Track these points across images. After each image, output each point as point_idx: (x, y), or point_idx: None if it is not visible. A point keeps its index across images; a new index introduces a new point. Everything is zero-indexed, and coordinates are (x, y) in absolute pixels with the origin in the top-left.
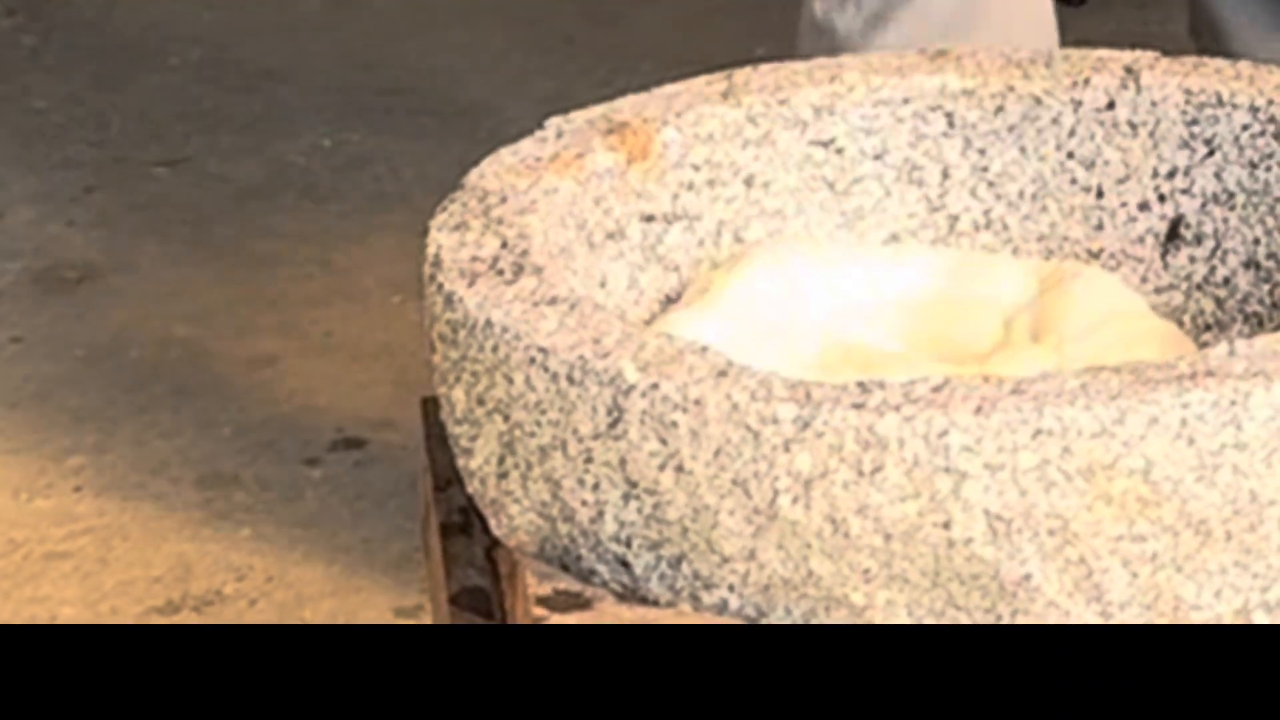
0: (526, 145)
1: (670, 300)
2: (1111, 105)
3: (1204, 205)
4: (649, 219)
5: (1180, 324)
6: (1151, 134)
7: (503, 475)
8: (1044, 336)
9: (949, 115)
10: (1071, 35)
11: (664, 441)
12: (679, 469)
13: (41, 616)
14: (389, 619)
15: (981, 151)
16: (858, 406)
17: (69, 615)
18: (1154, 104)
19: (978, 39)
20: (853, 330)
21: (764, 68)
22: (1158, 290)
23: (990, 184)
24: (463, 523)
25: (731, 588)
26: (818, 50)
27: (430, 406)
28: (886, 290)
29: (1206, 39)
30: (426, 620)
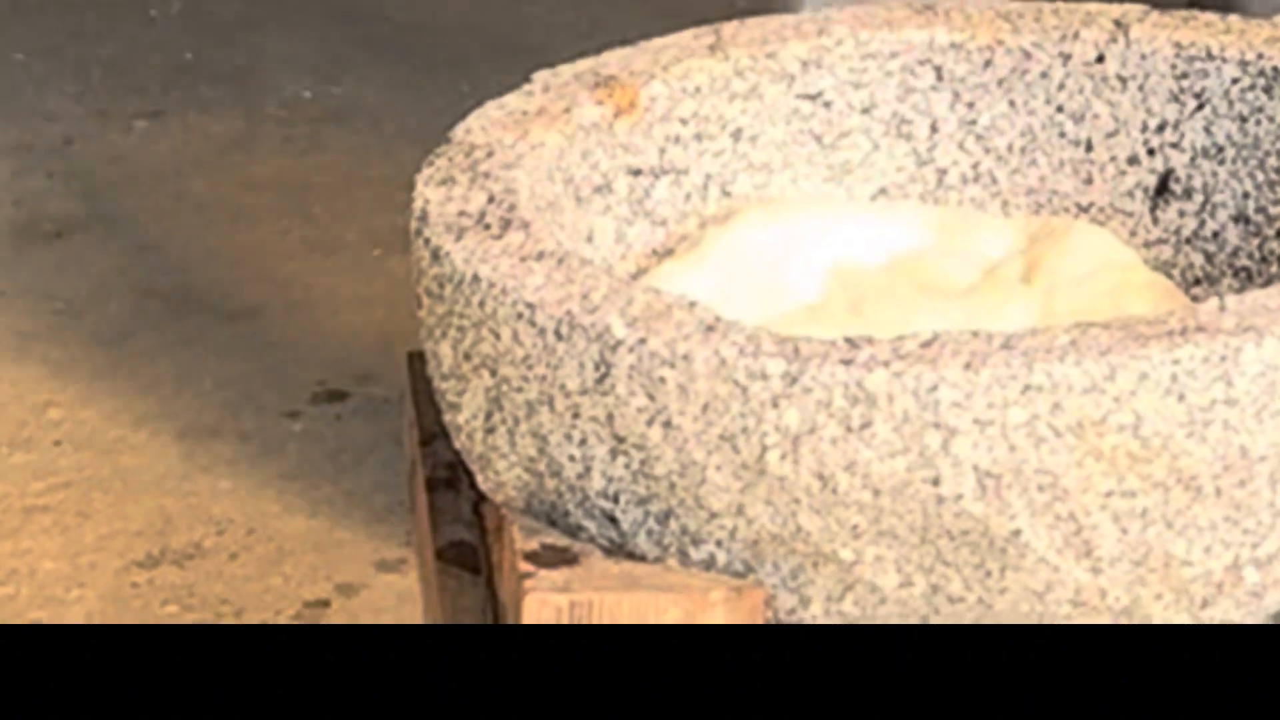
0: (513, 99)
1: (658, 254)
2: (1101, 59)
3: (1193, 159)
4: (636, 173)
5: (1169, 278)
6: (1141, 88)
7: (490, 430)
8: (1033, 280)
9: (937, 69)
10: None
11: (652, 397)
12: (667, 424)
13: (21, 570)
14: (370, 572)
15: (970, 105)
16: (846, 362)
17: (49, 568)
18: (1143, 57)
19: None
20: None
21: (751, 21)
22: (1147, 244)
23: (979, 137)
24: (449, 477)
25: (719, 543)
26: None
27: (416, 361)
28: (876, 244)
29: None
30: (411, 573)
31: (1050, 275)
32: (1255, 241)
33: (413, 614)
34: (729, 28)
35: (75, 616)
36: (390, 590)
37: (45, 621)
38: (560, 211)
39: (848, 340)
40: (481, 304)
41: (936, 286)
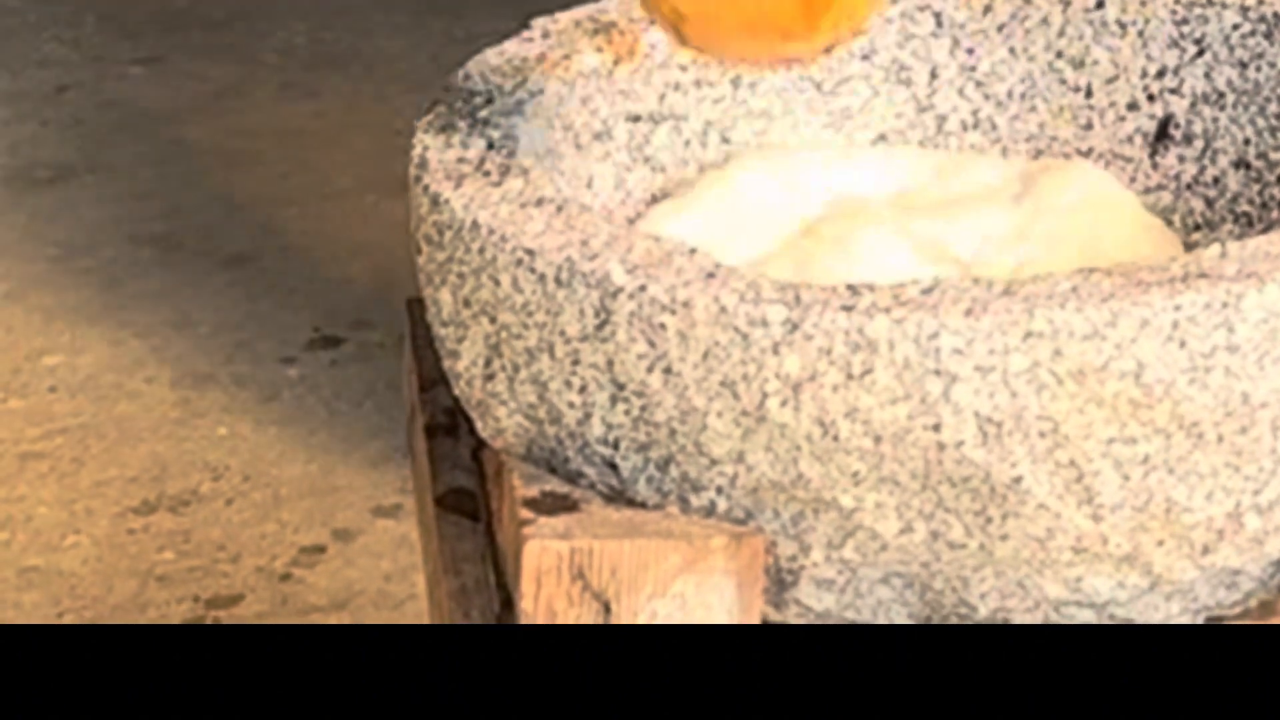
0: (511, 46)
1: (657, 200)
2: (1100, 4)
3: (1193, 105)
4: (635, 119)
5: (1170, 224)
6: (1141, 33)
7: (489, 377)
8: (1023, 202)
9: (937, 15)
10: None
11: (652, 343)
12: (667, 371)
13: (17, 517)
14: (367, 519)
15: (970, 51)
16: (847, 309)
17: (44, 515)
18: (1143, 3)
19: None
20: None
21: None
22: (1147, 190)
23: (979, 84)
24: (448, 424)
25: (720, 490)
26: None
27: (416, 307)
28: (871, 185)
29: None
30: (407, 519)
31: (1037, 201)
32: (1256, 187)
33: (409, 559)
34: None
35: (71, 563)
36: (387, 536)
37: (41, 567)
38: (560, 158)
39: (849, 287)
40: (481, 251)
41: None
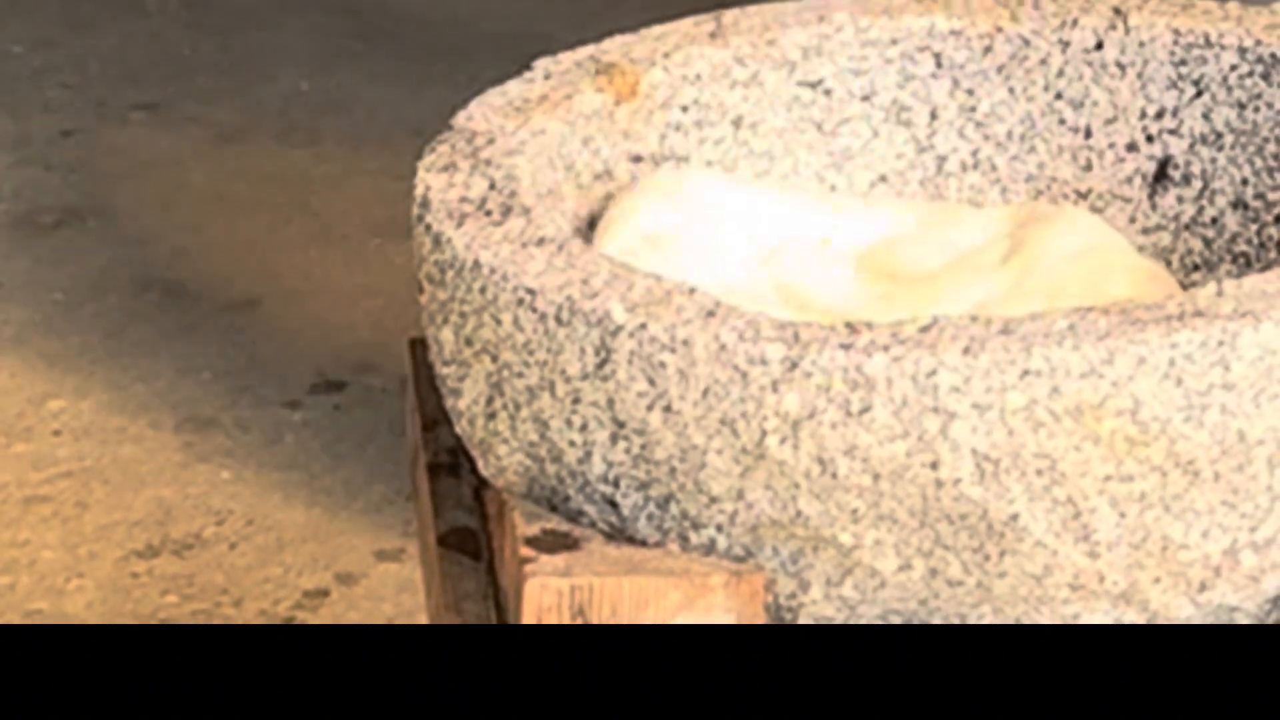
0: (514, 86)
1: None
2: (1100, 45)
3: (1192, 146)
4: (637, 159)
5: (1168, 264)
6: (1140, 74)
7: (491, 416)
8: (1012, 261)
9: (937, 56)
10: None
11: (652, 382)
12: (667, 409)
13: (21, 560)
14: (370, 561)
15: (970, 92)
16: (846, 347)
17: (48, 559)
18: (1142, 44)
19: None
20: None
21: (752, 9)
22: (1146, 231)
23: (978, 124)
24: (451, 463)
25: (719, 528)
26: None
27: (418, 347)
28: (856, 236)
29: None
30: (410, 562)
31: (1031, 256)
32: (1254, 227)
33: (412, 603)
34: (729, 15)
35: (75, 606)
36: (389, 579)
37: (45, 611)
38: (561, 198)
39: (847, 325)
40: (482, 290)
41: (903, 273)
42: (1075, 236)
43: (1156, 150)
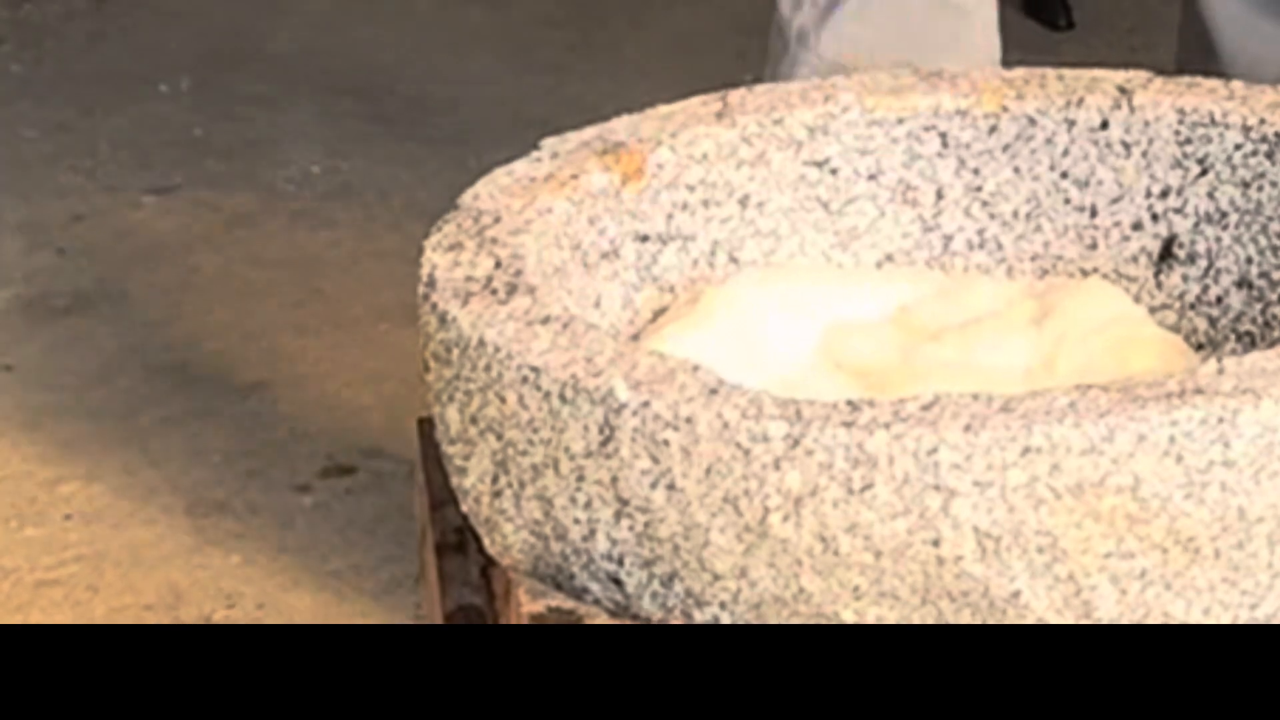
0: (521, 166)
1: (658, 318)
2: (1105, 125)
3: (1197, 224)
4: (643, 239)
5: None
6: (1145, 153)
7: (496, 494)
8: (1045, 326)
9: (943, 135)
10: (1058, 60)
11: (655, 459)
12: (670, 487)
13: None
14: None
15: (975, 171)
16: (847, 424)
17: None
18: (1147, 123)
19: (919, 47)
20: (844, 342)
21: (758, 88)
22: (1151, 310)
23: (984, 204)
24: (458, 541)
25: (723, 605)
26: (779, 47)
27: (426, 426)
28: (875, 304)
29: (1192, 40)
30: None
31: (1062, 323)
32: (1258, 306)
33: None
34: (736, 95)
35: None
36: None
37: None
38: (568, 277)
39: (849, 403)
40: (487, 368)
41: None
42: (1099, 307)
43: (1161, 229)
